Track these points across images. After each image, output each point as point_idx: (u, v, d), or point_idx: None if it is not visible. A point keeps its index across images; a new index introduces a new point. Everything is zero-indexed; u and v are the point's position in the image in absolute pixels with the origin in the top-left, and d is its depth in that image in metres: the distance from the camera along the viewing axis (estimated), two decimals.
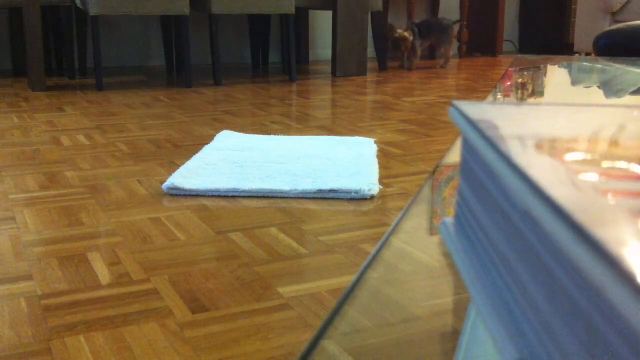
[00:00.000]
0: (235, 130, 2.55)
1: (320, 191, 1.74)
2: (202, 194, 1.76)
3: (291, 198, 1.74)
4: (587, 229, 0.17)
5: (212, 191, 1.76)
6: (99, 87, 3.54)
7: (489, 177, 0.28)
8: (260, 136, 2.40)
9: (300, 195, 1.75)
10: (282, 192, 1.74)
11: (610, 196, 0.20)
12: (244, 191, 1.75)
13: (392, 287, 0.39)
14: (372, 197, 1.74)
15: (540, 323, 0.21)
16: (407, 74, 4.40)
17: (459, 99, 3.39)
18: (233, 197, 1.75)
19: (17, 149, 2.27)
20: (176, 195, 1.76)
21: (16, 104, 3.14)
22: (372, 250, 1.11)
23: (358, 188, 1.74)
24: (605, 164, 0.24)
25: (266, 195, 1.75)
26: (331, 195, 1.74)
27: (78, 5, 3.68)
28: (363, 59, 4.20)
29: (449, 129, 2.64)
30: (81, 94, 3.47)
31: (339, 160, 2.03)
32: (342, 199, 1.73)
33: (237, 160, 2.04)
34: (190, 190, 1.76)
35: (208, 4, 3.63)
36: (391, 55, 5.11)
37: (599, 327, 0.16)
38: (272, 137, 2.39)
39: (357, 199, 1.73)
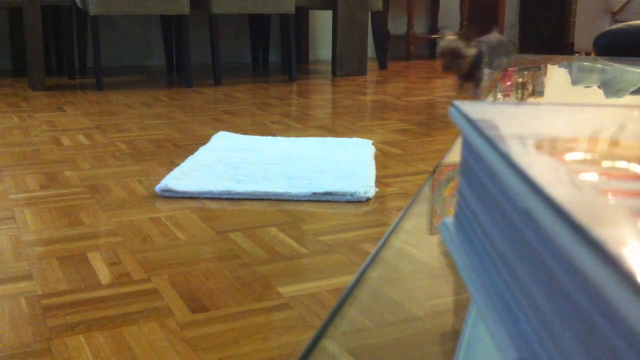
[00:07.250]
0: (235, 130, 2.55)
1: (314, 194, 1.72)
2: (195, 196, 1.74)
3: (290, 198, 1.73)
4: (587, 229, 0.17)
5: (205, 193, 1.73)
6: (99, 87, 3.53)
7: (489, 177, 0.28)
8: (256, 137, 2.37)
9: (295, 198, 1.72)
10: (276, 195, 1.72)
11: (610, 196, 0.20)
12: (237, 193, 1.73)
13: (392, 287, 0.39)
14: (368, 200, 1.73)
15: (540, 323, 0.21)
16: (407, 73, 4.40)
17: (459, 98, 3.38)
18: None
19: (17, 149, 2.27)
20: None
21: (16, 104, 3.14)
22: (372, 250, 1.11)
23: (353, 190, 1.72)
24: (605, 164, 0.24)
25: (260, 197, 1.73)
26: (326, 197, 1.72)
27: (78, 5, 3.68)
28: (363, 58, 4.20)
29: (448, 128, 2.64)
30: (81, 93, 3.47)
31: (335, 162, 2.01)
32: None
33: (232, 161, 2.01)
34: (184, 192, 1.73)
35: (208, 4, 3.63)
36: (391, 55, 5.10)
37: (599, 327, 0.16)
38: (268, 138, 2.37)
39: (352, 201, 1.72)
